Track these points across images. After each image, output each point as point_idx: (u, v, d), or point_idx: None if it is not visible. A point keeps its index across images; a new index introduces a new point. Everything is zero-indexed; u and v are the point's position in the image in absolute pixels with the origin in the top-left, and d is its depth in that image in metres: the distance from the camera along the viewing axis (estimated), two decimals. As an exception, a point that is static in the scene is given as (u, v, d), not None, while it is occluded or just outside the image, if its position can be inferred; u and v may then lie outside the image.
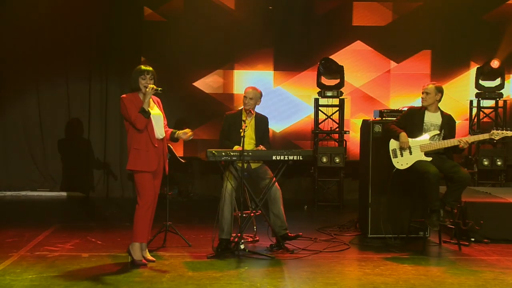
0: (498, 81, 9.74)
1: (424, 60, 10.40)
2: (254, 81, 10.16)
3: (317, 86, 9.81)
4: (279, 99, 10.42)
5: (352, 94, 10.40)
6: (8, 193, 10.40)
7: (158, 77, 9.66)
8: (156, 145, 5.81)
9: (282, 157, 6.56)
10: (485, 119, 9.97)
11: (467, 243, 7.08)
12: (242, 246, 6.37)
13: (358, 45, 10.44)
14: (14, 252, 6.22)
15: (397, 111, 7.55)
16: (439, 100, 6.89)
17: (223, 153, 6.39)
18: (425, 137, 6.76)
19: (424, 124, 6.81)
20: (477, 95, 9.82)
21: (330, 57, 10.00)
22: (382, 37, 10.39)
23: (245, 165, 6.61)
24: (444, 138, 6.79)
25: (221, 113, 9.86)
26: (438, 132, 6.80)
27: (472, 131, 9.84)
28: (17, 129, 10.51)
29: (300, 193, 10.48)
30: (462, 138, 6.75)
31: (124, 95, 5.90)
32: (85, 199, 10.45)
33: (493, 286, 5.41)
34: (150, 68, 5.94)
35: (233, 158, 6.41)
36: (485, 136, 6.87)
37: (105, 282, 5.30)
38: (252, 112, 6.92)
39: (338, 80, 9.75)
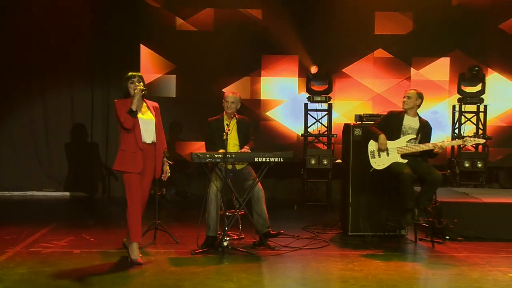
0: (479, 87, 9.81)
1: (443, 67, 10.45)
2: (279, 87, 10.51)
3: (306, 91, 9.94)
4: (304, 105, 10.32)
5: (374, 99, 10.50)
6: (16, 193, 10.56)
7: (190, 83, 10.03)
8: (142, 148, 5.90)
9: (264, 159, 6.68)
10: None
11: (441, 241, 7.18)
12: (225, 243, 6.50)
13: (380, 52, 10.54)
14: (11, 248, 6.37)
15: (376, 115, 7.65)
16: (419, 106, 7.03)
17: (208, 156, 6.53)
18: (402, 140, 6.87)
19: (403, 127, 6.93)
20: (459, 100, 9.91)
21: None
22: (403, 45, 10.50)
23: (230, 166, 6.76)
24: (420, 142, 6.91)
25: (248, 116, 10.11)
26: (415, 136, 6.92)
27: (453, 135, 9.95)
28: (25, 133, 10.66)
29: (292, 194, 10.58)
30: (437, 142, 6.87)
31: (117, 99, 6.04)
32: (87, 199, 10.57)
33: (456, 280, 5.57)
34: (138, 73, 6.03)
35: (217, 160, 6.53)
36: (459, 142, 7.06)
37: (90, 276, 5.45)
38: (236, 116, 7.03)
39: (327, 86, 9.87)
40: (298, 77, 10.52)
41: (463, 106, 9.93)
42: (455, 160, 9.73)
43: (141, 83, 5.92)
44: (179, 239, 6.95)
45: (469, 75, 9.75)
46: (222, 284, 5.27)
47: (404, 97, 7.04)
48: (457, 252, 6.73)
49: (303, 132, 9.97)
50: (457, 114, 10.00)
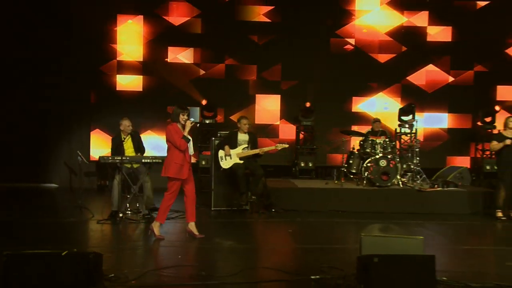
0: (311, 116, 10.58)
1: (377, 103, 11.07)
2: (268, 115, 10.92)
3: (201, 116, 10.50)
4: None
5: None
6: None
7: (210, 113, 10.26)
8: (188, 161, 5.86)
9: (150, 160, 7.22)
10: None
11: (267, 211, 7.79)
12: (121, 215, 6.97)
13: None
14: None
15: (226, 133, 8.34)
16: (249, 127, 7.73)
17: (109, 158, 7.03)
18: (239, 148, 7.54)
19: (238, 141, 7.64)
20: (298, 123, 10.66)
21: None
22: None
23: (129, 165, 7.27)
24: (251, 149, 7.59)
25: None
26: (247, 145, 7.60)
27: (297, 144, 10.68)
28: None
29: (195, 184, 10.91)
30: (261, 149, 7.57)
31: (169, 125, 5.82)
32: (56, 188, 10.52)
33: (244, 228, 6.36)
34: (188, 108, 5.99)
35: (116, 161, 7.03)
36: (272, 147, 7.65)
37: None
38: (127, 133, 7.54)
39: (213, 113, 10.50)
40: (280, 109, 10.93)
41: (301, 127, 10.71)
42: (296, 161, 10.45)
43: (188, 116, 5.90)
44: (99, 215, 7.09)
45: (304, 109, 10.54)
46: (100, 239, 5.82)
47: (245, 124, 7.69)
48: (271, 218, 7.40)
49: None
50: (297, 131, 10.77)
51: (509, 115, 7.99)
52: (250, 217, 7.53)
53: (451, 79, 11.08)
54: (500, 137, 7.54)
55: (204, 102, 10.43)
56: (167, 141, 5.84)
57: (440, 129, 11.12)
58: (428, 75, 11.08)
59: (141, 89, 10.83)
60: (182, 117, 5.82)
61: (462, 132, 10.97)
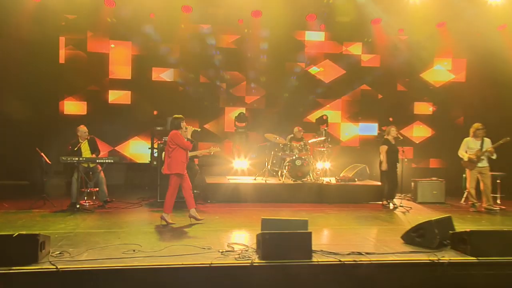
0: (244, 125, 11.05)
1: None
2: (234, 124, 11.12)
3: (156, 125, 10.74)
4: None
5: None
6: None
7: (188, 123, 9.06)
8: (187, 160, 6.36)
9: (102, 160, 7.50)
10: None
11: (203, 202, 8.21)
12: (78, 206, 7.22)
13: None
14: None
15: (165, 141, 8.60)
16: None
17: (68, 159, 7.27)
18: None
19: None
20: (235, 131, 11.11)
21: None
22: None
23: (86, 165, 7.51)
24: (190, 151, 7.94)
25: (216, 139, 10.55)
26: None
27: (233, 148, 11.09)
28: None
29: (148, 181, 11.17)
30: (201, 151, 7.94)
31: (176, 132, 6.22)
32: (27, 185, 10.43)
33: (193, 220, 6.53)
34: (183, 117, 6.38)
35: (74, 161, 7.27)
36: (207, 150, 8.00)
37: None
38: (88, 137, 7.81)
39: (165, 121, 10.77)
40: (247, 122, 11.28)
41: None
42: (232, 160, 10.85)
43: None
44: (61, 206, 7.33)
45: (241, 117, 10.99)
46: (56, 225, 6.04)
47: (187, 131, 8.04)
48: (205, 208, 7.80)
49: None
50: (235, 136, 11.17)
51: (392, 126, 8.72)
52: (185, 208, 7.75)
53: (380, 96, 12.05)
54: (387, 143, 8.30)
55: (155, 112, 10.71)
56: (173, 144, 6.07)
57: (372, 136, 12.00)
58: (362, 93, 12.02)
59: (129, 102, 11.13)
60: (184, 124, 6.21)
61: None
